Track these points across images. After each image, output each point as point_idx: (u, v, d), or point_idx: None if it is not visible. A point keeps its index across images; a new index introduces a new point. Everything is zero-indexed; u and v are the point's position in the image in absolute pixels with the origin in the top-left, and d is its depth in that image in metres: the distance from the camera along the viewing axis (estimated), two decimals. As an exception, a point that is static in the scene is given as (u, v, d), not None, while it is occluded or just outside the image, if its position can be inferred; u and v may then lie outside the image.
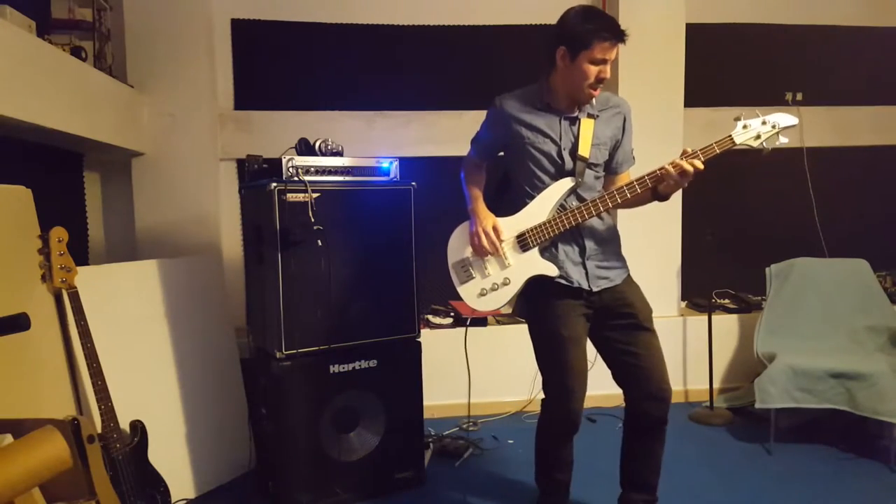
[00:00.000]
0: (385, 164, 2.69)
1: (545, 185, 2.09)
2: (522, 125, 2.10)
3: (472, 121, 3.74)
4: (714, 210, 4.00)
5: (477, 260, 2.16)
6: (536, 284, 2.11)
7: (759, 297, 3.92)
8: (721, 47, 4.10)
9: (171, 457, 2.53)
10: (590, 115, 2.08)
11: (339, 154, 2.70)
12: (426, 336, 2.90)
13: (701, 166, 1.92)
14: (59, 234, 2.10)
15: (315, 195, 2.45)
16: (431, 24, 3.90)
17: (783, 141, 1.97)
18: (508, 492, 2.68)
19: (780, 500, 2.62)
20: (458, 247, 2.21)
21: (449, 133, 3.81)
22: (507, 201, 2.21)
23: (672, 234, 3.86)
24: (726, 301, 4.07)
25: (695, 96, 3.89)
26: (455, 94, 3.88)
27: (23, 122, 2.28)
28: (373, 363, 2.62)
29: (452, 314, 3.76)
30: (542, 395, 2.30)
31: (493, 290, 2.13)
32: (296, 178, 2.47)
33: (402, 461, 2.70)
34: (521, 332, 3.66)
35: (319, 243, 2.45)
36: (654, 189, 2.03)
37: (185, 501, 2.57)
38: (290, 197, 2.42)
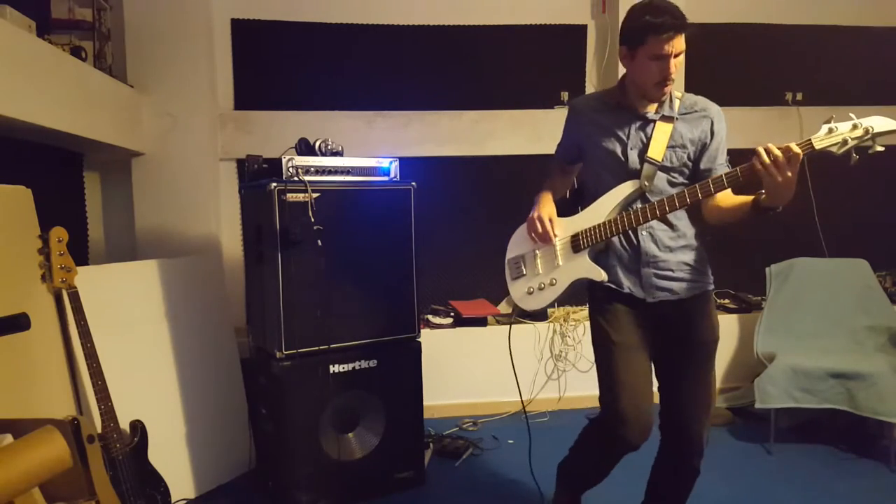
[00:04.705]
0: (385, 164, 2.69)
1: (611, 187, 1.93)
2: (592, 124, 1.99)
3: (471, 121, 3.77)
4: (714, 210, 3.99)
5: (530, 258, 2.08)
6: (593, 288, 2.01)
7: (759, 297, 3.92)
8: (721, 47, 4.09)
9: (171, 457, 2.53)
10: (666, 118, 1.90)
11: (339, 154, 2.71)
12: (426, 336, 2.90)
13: (798, 151, 1.73)
14: (58, 234, 2.10)
15: (315, 195, 2.46)
16: (431, 24, 3.89)
17: (878, 149, 1.75)
18: (508, 492, 2.68)
19: (780, 499, 2.61)
20: (516, 244, 2.14)
21: (449, 133, 3.82)
22: (577, 204, 2.11)
23: (672, 234, 3.84)
24: (726, 301, 4.06)
25: (695, 96, 3.88)
26: (455, 94, 3.88)
27: (23, 122, 2.28)
28: (373, 363, 2.62)
29: (452, 314, 3.76)
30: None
31: (539, 289, 2.04)
32: (296, 178, 2.47)
33: (402, 461, 2.70)
34: (521, 332, 3.71)
35: (319, 243, 2.45)
36: (756, 201, 1.82)
37: (185, 501, 2.57)
38: (290, 197, 2.42)
